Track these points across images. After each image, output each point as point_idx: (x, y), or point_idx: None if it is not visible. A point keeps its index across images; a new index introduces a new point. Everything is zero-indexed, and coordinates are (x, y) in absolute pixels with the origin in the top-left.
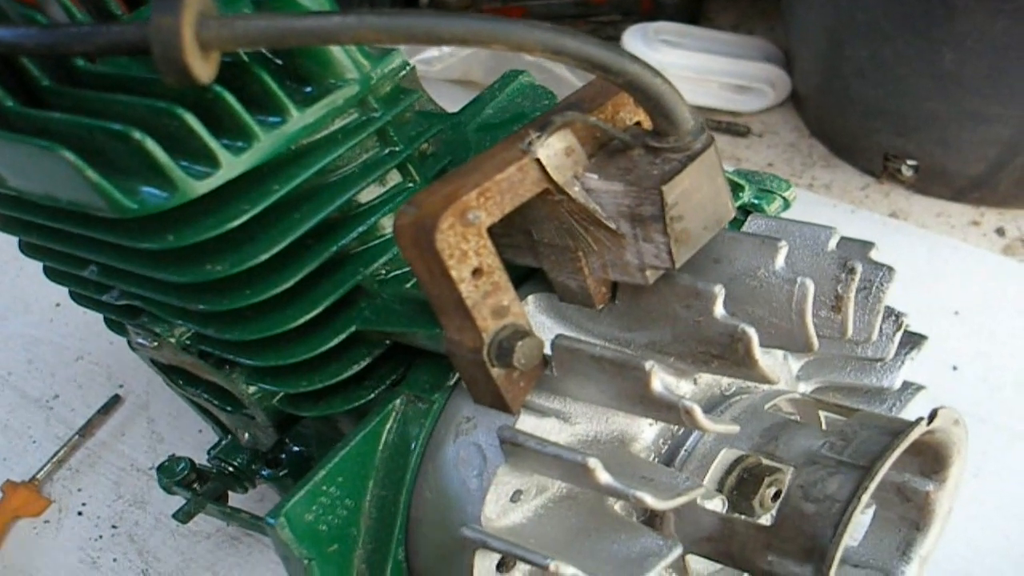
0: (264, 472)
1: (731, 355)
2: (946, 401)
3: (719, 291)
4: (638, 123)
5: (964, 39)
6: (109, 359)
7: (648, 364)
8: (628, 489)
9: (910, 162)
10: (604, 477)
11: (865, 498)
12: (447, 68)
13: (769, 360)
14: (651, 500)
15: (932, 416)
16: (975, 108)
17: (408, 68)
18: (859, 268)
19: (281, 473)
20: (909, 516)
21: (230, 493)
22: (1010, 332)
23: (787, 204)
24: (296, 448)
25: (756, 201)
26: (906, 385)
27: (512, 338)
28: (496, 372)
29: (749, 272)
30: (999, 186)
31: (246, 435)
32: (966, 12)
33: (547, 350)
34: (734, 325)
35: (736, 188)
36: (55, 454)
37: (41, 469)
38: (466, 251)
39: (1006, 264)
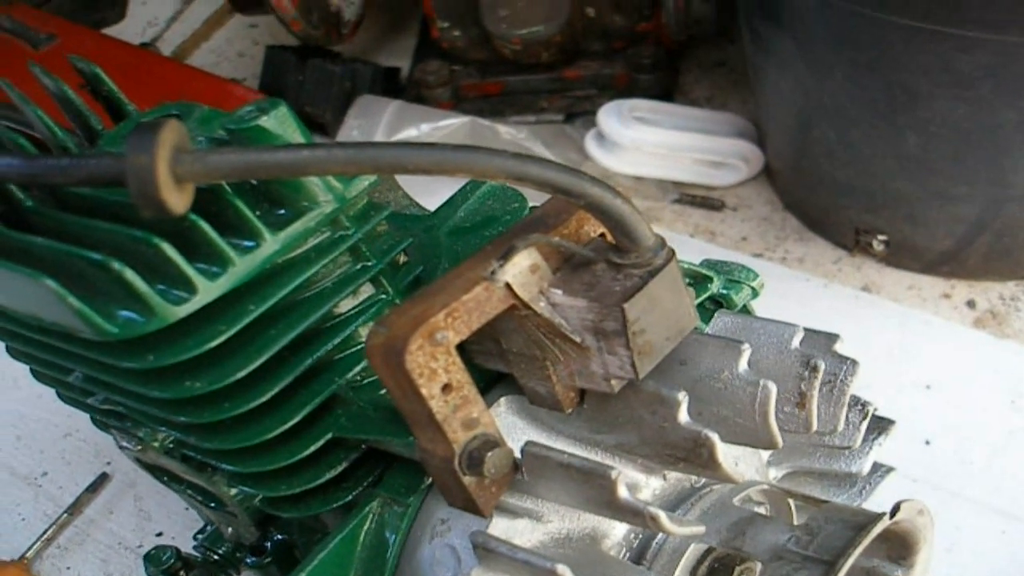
0: (249, 560)
1: (695, 458)
2: (919, 475)
3: (683, 398)
4: (602, 235)
5: (927, 124)
6: (97, 436)
7: (613, 473)
8: None
9: (880, 237)
10: None
11: None
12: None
13: (737, 451)
14: None
15: (895, 510)
16: (940, 188)
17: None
18: (822, 366)
19: (266, 561)
20: None
21: None
22: (981, 405)
23: (755, 293)
24: (280, 536)
25: (725, 292)
26: (876, 467)
27: (482, 448)
28: (468, 480)
29: (714, 374)
30: (968, 261)
31: (229, 529)
32: (928, 99)
33: (517, 454)
34: (697, 431)
35: (705, 279)
36: (44, 532)
37: (31, 548)
38: (435, 369)
39: (977, 337)
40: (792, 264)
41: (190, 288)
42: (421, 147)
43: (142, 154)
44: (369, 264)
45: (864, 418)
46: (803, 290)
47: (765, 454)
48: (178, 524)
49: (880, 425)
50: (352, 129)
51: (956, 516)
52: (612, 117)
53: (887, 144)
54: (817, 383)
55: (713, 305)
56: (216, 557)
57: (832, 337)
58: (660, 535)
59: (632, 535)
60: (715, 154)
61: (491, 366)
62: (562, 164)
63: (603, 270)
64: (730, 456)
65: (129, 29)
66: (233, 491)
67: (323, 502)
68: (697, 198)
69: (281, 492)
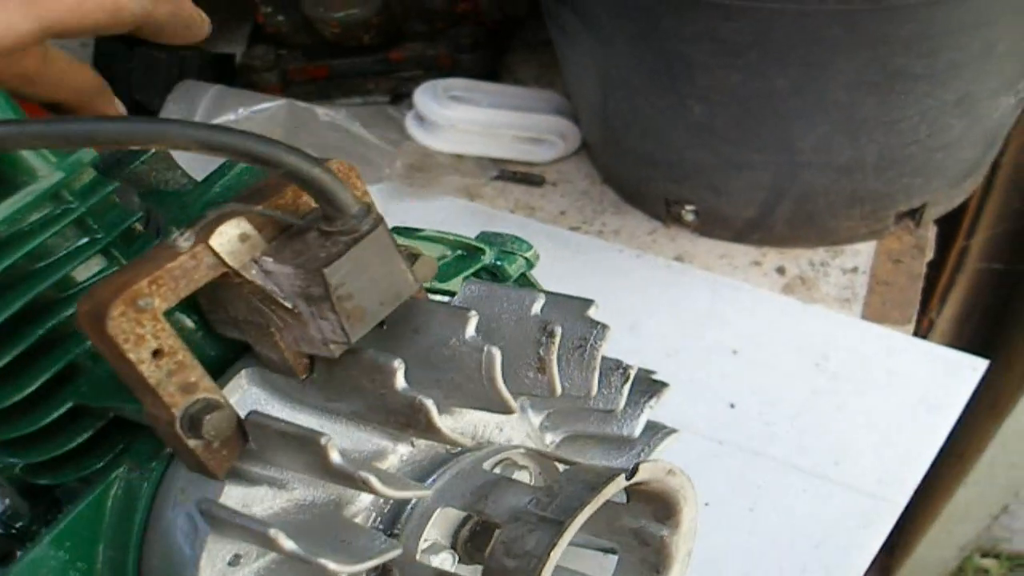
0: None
1: (416, 424)
2: (724, 438)
3: (398, 365)
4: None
5: (707, 93)
6: None
7: (323, 439)
8: (310, 556)
9: (689, 207)
10: (288, 545)
11: (556, 554)
12: (247, 128)
13: (501, 417)
14: (333, 566)
15: (633, 471)
16: (732, 156)
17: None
18: (558, 331)
19: None
20: (649, 560)
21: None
22: (786, 369)
23: (530, 264)
24: None
25: (499, 263)
26: (657, 429)
27: (201, 412)
28: (193, 443)
29: (443, 341)
30: (775, 228)
31: (7, 501)
32: (704, 69)
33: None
34: (412, 397)
35: (477, 251)
36: None
37: None
38: (142, 335)
39: (785, 303)
40: (608, 236)
41: None
42: (114, 120)
43: None
44: (98, 237)
45: (625, 381)
46: (617, 261)
47: (537, 420)
48: None
49: (653, 388)
50: (171, 115)
51: (759, 476)
52: (427, 96)
53: (675, 114)
54: (554, 348)
55: (488, 277)
56: (14, 531)
57: (586, 302)
58: (413, 500)
59: (382, 501)
60: (533, 131)
61: (230, 335)
62: (259, 135)
63: (314, 238)
64: (492, 423)
65: None
66: None
67: (76, 469)
68: (517, 174)
69: (33, 459)
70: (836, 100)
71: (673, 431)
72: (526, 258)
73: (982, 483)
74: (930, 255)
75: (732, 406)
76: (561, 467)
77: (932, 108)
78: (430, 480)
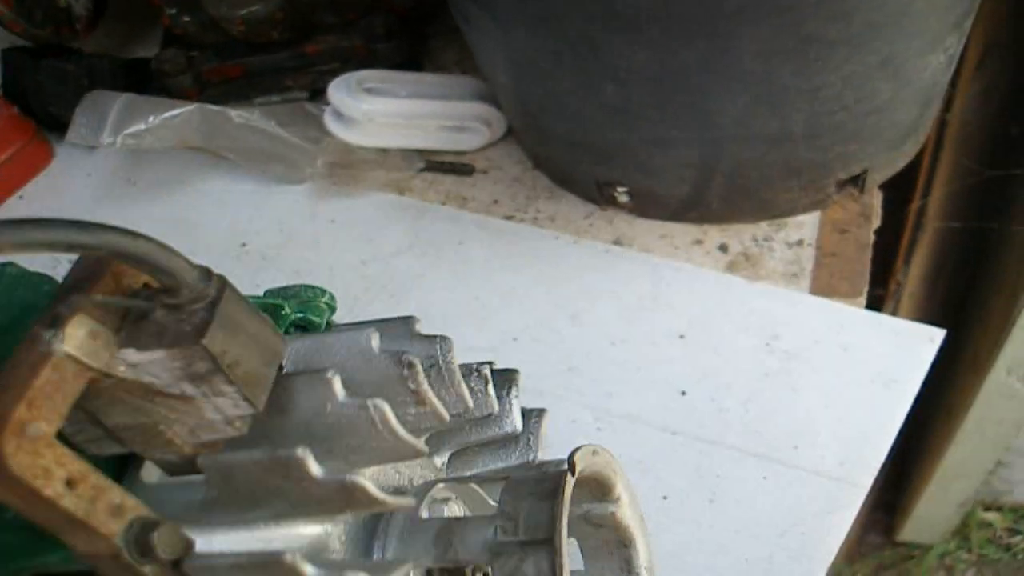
0: None
1: (355, 504)
2: (677, 427)
3: (303, 453)
4: (146, 284)
5: (616, 71)
6: None
7: (288, 557)
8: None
9: (621, 188)
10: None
11: (567, 563)
12: (159, 139)
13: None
14: None
15: (572, 467)
16: (654, 135)
17: None
18: (416, 361)
19: None
20: (612, 539)
21: None
22: (734, 350)
23: (332, 308)
24: None
25: (302, 315)
26: (530, 416)
27: (144, 532)
28: (151, 569)
29: (319, 412)
30: (712, 205)
31: None
32: (607, 47)
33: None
34: (340, 479)
35: (278, 308)
36: None
37: None
38: (47, 466)
39: (729, 281)
40: (544, 223)
41: None
42: None
43: None
44: None
45: (487, 383)
46: (553, 249)
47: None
48: None
49: (508, 377)
50: (80, 127)
51: (716, 465)
52: (341, 91)
53: (588, 95)
54: (421, 376)
55: (297, 331)
56: None
57: (407, 320)
58: None
59: None
60: (455, 119)
61: (109, 452)
62: (72, 221)
63: (164, 316)
64: (389, 468)
65: None
66: None
67: None
68: (445, 164)
69: None
70: (750, 71)
71: (543, 410)
72: (326, 303)
73: (972, 439)
74: (877, 222)
75: (683, 393)
76: (473, 485)
77: (855, 73)
78: (377, 550)
